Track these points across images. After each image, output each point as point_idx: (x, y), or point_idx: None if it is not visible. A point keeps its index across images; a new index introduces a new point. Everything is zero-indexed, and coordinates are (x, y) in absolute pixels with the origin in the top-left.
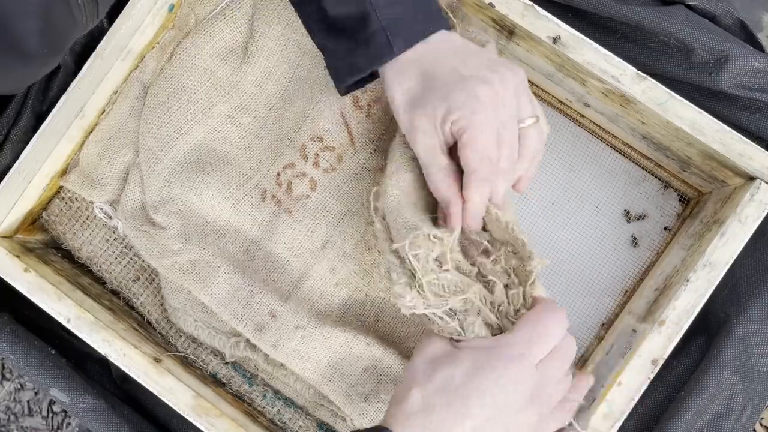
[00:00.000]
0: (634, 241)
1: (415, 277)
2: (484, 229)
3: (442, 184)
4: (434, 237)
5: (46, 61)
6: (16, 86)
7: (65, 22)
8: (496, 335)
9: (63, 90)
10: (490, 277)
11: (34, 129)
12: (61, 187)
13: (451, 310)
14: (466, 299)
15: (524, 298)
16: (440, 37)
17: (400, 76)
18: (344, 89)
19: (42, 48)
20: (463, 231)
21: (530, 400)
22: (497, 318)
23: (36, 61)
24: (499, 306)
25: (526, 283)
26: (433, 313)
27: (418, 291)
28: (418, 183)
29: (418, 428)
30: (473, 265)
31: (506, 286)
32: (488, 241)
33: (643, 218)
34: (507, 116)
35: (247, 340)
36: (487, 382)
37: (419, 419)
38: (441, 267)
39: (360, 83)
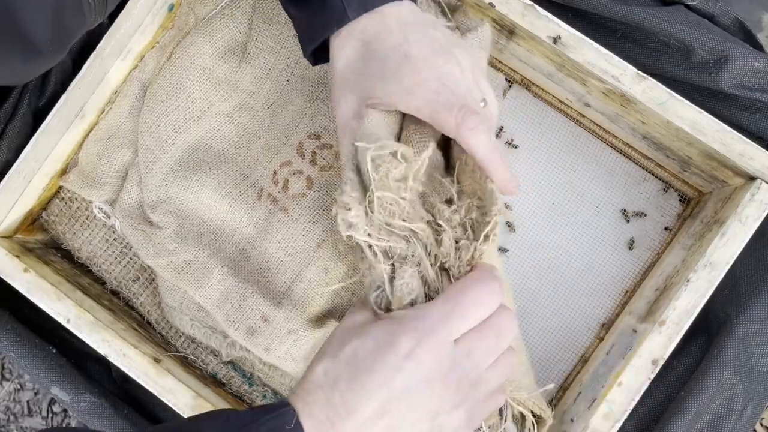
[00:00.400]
0: (631, 244)
1: (367, 193)
2: (456, 180)
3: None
4: (401, 155)
5: (52, 57)
6: (18, 80)
7: (75, 19)
8: (429, 296)
9: (59, 85)
10: (443, 226)
11: (33, 125)
12: (60, 187)
13: (390, 250)
14: (410, 243)
15: (473, 256)
16: (392, 8)
17: (343, 46)
18: (312, 60)
19: (50, 44)
20: (432, 177)
21: (444, 378)
22: (437, 276)
23: (43, 56)
24: (444, 261)
25: (480, 236)
26: (369, 246)
27: (366, 208)
28: (399, 121)
29: (319, 403)
30: (430, 213)
31: (457, 242)
32: (456, 192)
33: (641, 216)
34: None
35: None
36: (394, 355)
37: (322, 393)
38: (399, 193)
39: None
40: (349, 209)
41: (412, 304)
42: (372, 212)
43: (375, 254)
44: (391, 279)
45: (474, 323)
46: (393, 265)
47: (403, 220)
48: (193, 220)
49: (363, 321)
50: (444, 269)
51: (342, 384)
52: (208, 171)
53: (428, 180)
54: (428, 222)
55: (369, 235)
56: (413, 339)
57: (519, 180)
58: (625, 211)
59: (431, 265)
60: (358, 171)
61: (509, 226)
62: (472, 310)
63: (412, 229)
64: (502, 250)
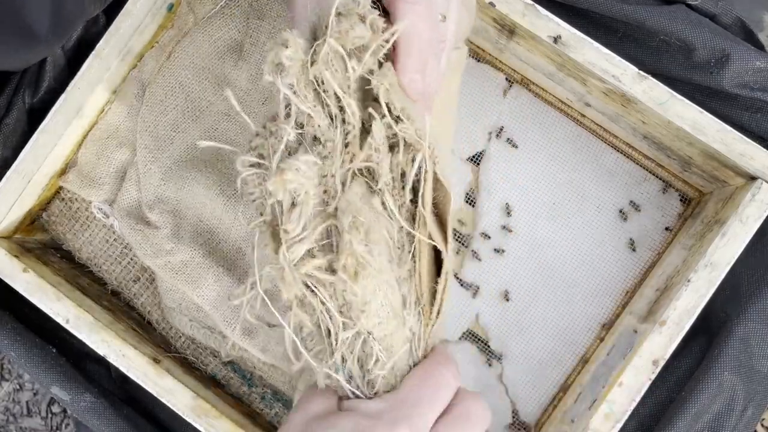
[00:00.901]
0: (632, 244)
1: (314, 44)
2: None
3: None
4: (370, 23)
5: (51, 45)
6: (17, 65)
7: (75, 9)
8: (326, 202)
9: (53, 82)
10: (375, 116)
11: (28, 122)
12: (60, 188)
13: (308, 121)
14: (331, 126)
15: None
16: None
17: None
18: None
19: (50, 33)
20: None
21: None
22: (343, 181)
23: (42, 45)
24: (363, 166)
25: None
26: (287, 105)
27: (308, 60)
28: None
29: None
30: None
31: (392, 148)
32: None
33: (636, 208)
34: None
35: None
36: None
37: None
38: (351, 59)
39: None
40: (287, 47)
41: (293, 201)
42: (312, 64)
43: (288, 115)
44: (288, 154)
45: (441, 409)
46: (300, 142)
47: (342, 91)
48: (190, 219)
49: (326, 410)
50: (361, 177)
51: None
52: (204, 170)
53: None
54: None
55: (294, 92)
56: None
57: (424, 98)
58: (621, 210)
59: (341, 164)
60: (314, 29)
61: (505, 228)
62: (441, 393)
63: (341, 108)
64: (500, 251)
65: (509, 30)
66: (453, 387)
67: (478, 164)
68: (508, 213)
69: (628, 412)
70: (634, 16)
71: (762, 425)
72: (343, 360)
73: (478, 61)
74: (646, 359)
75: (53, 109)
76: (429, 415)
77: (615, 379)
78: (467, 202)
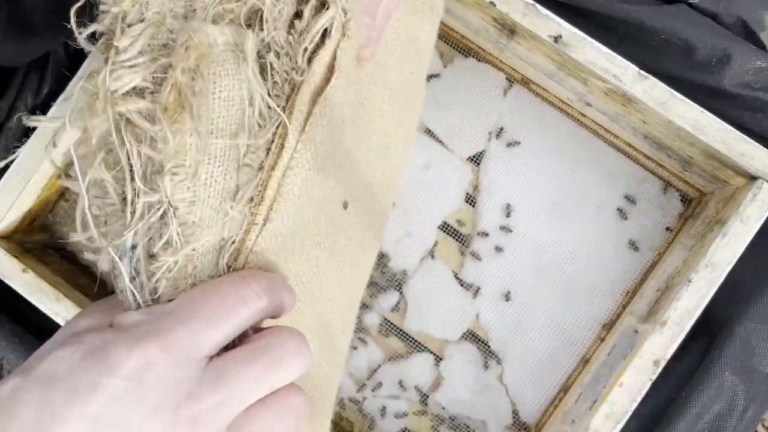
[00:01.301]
0: (632, 245)
1: None
2: None
3: None
4: None
5: (48, 40)
6: (17, 61)
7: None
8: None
9: (55, 84)
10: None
11: (31, 127)
12: (66, 189)
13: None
14: None
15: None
16: None
17: None
18: None
19: (47, 25)
20: None
21: (178, 409)
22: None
23: (39, 37)
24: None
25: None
26: None
27: None
28: None
29: None
30: None
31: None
32: None
33: (632, 202)
34: None
35: None
36: (105, 373)
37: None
38: None
39: None
40: None
41: (142, 17)
42: None
43: None
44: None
45: (231, 331)
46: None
47: None
48: None
49: (90, 327)
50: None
51: (29, 409)
52: None
53: None
54: None
55: None
56: (136, 348)
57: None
58: (620, 208)
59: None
60: None
61: (505, 228)
62: (227, 311)
63: None
64: (500, 251)
65: (510, 29)
66: (254, 307)
67: (478, 164)
68: (508, 213)
69: (629, 413)
70: (635, 15)
71: (763, 426)
72: (134, 247)
73: (479, 60)
74: (646, 360)
75: (52, 108)
76: (201, 335)
77: (615, 379)
78: (467, 202)
